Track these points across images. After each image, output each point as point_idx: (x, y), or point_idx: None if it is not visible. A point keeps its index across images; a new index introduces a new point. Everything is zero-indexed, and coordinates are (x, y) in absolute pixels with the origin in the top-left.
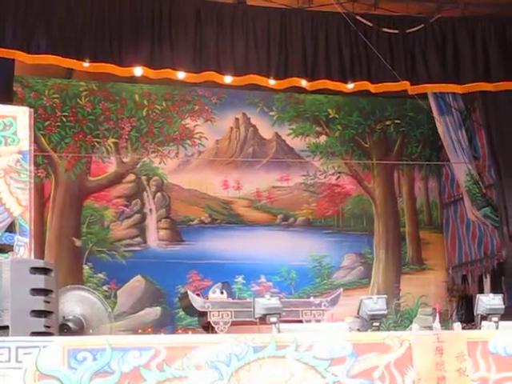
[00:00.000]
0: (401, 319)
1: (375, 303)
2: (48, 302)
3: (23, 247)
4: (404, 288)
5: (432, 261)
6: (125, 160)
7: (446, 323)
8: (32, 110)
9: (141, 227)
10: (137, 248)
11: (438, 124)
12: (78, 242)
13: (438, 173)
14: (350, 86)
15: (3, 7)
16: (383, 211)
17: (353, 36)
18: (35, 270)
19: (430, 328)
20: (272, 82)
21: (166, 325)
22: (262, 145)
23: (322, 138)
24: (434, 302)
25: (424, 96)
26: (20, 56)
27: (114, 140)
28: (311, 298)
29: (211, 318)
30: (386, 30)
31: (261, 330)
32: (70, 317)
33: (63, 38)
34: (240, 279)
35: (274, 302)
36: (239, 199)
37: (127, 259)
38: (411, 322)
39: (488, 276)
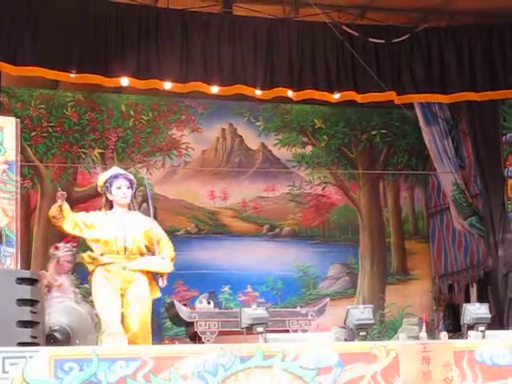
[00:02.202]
0: (385, 329)
1: (362, 313)
2: (34, 313)
3: (9, 258)
4: (389, 298)
5: (417, 271)
6: None
7: (431, 333)
8: (18, 120)
9: None
10: None
11: (424, 134)
12: None
13: (425, 182)
14: (337, 96)
15: None
16: (368, 221)
17: (339, 46)
18: (21, 280)
19: (416, 338)
20: (258, 93)
21: (152, 335)
22: (248, 155)
23: (308, 149)
24: (419, 312)
25: (410, 106)
26: (5, 68)
27: (100, 150)
28: (298, 308)
29: (198, 328)
30: (372, 39)
31: (247, 340)
32: (57, 327)
33: (49, 50)
34: (226, 289)
35: (261, 311)
36: (225, 209)
37: None
38: (396, 332)
39: (474, 285)
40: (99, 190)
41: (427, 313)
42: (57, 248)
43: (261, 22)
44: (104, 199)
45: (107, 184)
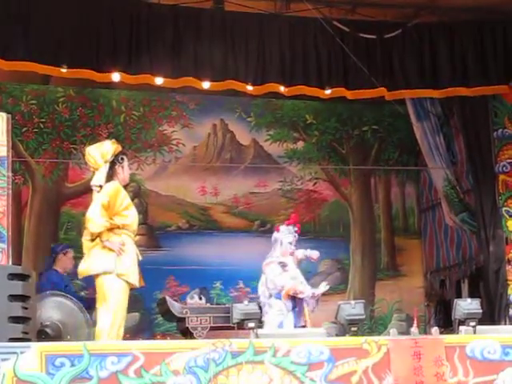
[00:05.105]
0: (375, 325)
1: (353, 308)
2: (26, 308)
3: (1, 253)
4: (379, 294)
5: (407, 267)
6: None
7: (420, 329)
8: (10, 115)
9: None
10: None
11: (415, 129)
12: None
13: (416, 178)
14: (328, 92)
15: None
16: (359, 217)
17: (330, 41)
18: (13, 276)
19: (405, 333)
20: (250, 88)
21: (144, 331)
22: (239, 151)
23: (300, 144)
24: (409, 308)
25: (402, 101)
26: None
27: None
28: None
29: (189, 324)
30: (363, 35)
31: (239, 336)
32: (48, 323)
33: (41, 45)
34: (218, 285)
35: (252, 307)
36: (217, 205)
37: None
38: (385, 327)
39: (466, 281)
40: (107, 158)
41: (417, 309)
42: (278, 230)
43: (252, 18)
44: (107, 169)
45: (122, 156)
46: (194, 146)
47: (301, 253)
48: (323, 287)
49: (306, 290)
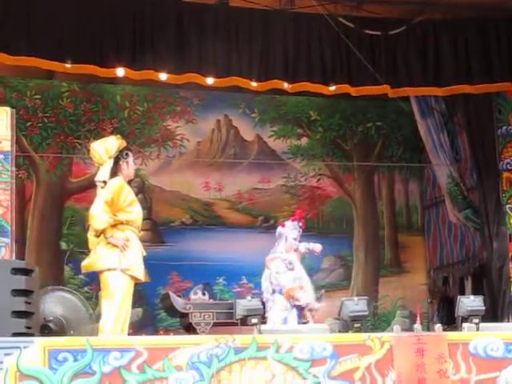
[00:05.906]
0: (378, 322)
1: (356, 304)
2: (29, 303)
3: (4, 248)
4: (382, 291)
5: (410, 264)
6: None
7: (424, 325)
8: (14, 110)
9: None
10: None
11: (419, 126)
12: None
13: (420, 175)
14: (332, 89)
15: None
16: (363, 214)
17: (335, 38)
18: (16, 270)
19: (408, 330)
20: (254, 84)
21: (147, 326)
22: (243, 146)
23: (304, 140)
24: (412, 304)
25: (406, 98)
26: (1, 58)
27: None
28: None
29: (193, 319)
30: (367, 31)
31: (242, 331)
32: (51, 318)
33: (44, 40)
34: (221, 280)
35: (255, 303)
36: (220, 201)
37: None
38: (388, 324)
39: (469, 278)
40: (112, 153)
41: (420, 305)
42: (283, 226)
43: (256, 14)
44: (112, 165)
45: (127, 152)
46: (198, 141)
47: (303, 246)
48: (317, 304)
49: (302, 298)
